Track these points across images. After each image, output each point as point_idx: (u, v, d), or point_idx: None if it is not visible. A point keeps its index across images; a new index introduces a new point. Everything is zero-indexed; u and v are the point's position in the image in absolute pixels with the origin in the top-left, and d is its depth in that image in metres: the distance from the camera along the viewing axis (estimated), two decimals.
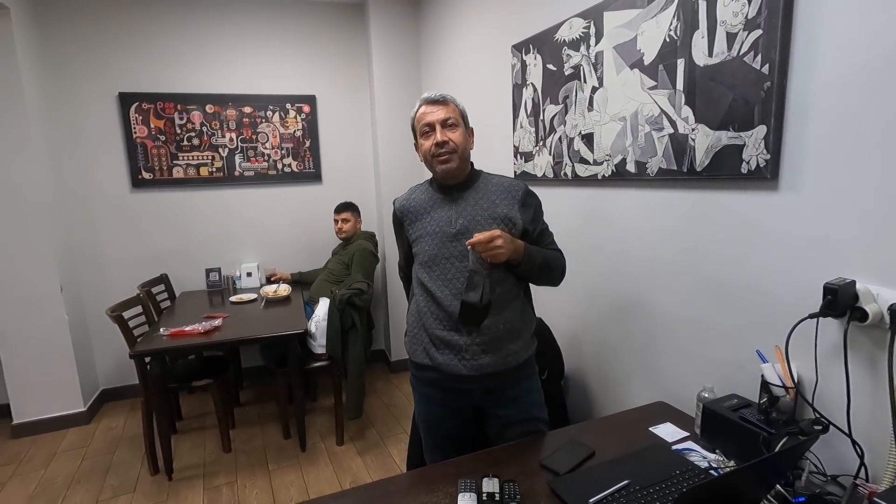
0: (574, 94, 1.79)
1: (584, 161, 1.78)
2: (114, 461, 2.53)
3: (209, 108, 3.22)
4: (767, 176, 1.15)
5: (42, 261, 2.73)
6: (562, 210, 1.96)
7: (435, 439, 1.48)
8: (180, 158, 3.21)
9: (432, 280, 1.34)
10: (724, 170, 1.25)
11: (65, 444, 2.72)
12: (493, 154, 2.41)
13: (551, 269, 1.37)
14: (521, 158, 2.18)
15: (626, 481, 1.04)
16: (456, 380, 1.34)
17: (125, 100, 3.05)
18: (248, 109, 3.30)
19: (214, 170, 3.29)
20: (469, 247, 1.22)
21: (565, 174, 1.89)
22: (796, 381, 1.11)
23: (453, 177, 1.35)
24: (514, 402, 1.37)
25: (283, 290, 3.02)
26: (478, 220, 1.31)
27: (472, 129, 1.40)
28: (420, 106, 1.36)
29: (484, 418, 1.42)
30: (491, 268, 1.27)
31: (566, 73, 1.82)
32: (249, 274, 3.30)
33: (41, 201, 2.70)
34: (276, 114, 3.37)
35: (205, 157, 3.26)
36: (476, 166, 1.43)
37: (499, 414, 1.38)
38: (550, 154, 1.97)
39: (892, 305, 0.94)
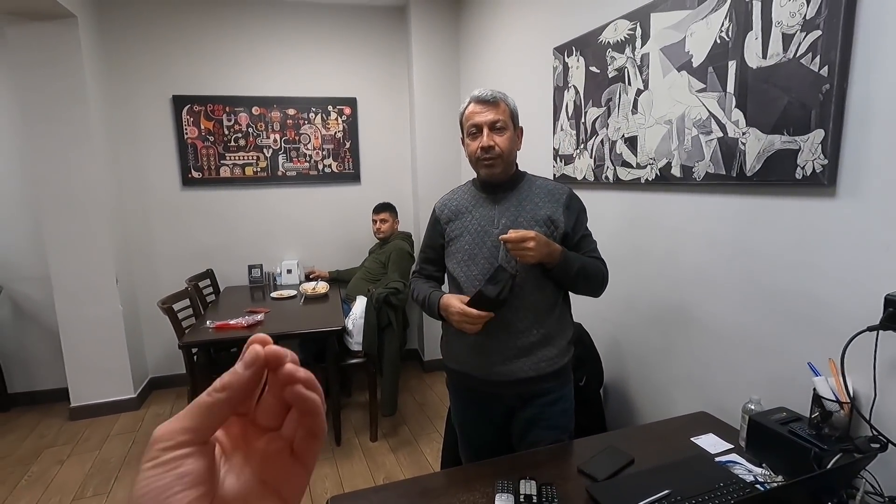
0: (618, 96, 1.77)
1: (626, 164, 1.76)
2: None
3: (255, 110, 3.33)
4: (824, 182, 1.11)
5: (100, 254, 2.89)
6: (603, 214, 1.94)
7: (469, 440, 1.50)
8: (227, 158, 3.34)
9: (469, 279, 1.33)
10: (777, 175, 1.21)
11: (117, 427, 2.88)
12: (532, 156, 2.40)
13: (589, 278, 1.32)
14: (561, 161, 2.16)
15: (666, 491, 1.02)
16: (489, 385, 1.34)
17: (178, 102, 3.20)
18: (291, 111, 3.40)
19: (259, 169, 3.41)
20: (501, 242, 1.21)
21: (606, 178, 1.87)
22: (852, 395, 1.06)
23: (497, 178, 1.35)
24: (543, 408, 1.36)
25: (322, 287, 3.09)
26: (520, 222, 1.30)
27: (521, 128, 1.37)
28: (469, 103, 1.32)
29: (511, 418, 1.41)
30: (521, 268, 1.26)
31: (610, 76, 1.80)
32: (290, 271, 3.40)
33: (100, 198, 2.87)
34: (318, 115, 3.46)
35: (250, 158, 3.38)
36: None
37: (524, 416, 1.37)
38: (591, 157, 1.95)
39: None
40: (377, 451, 2.57)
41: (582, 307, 2.04)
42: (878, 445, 0.97)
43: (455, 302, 1.27)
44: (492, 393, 1.36)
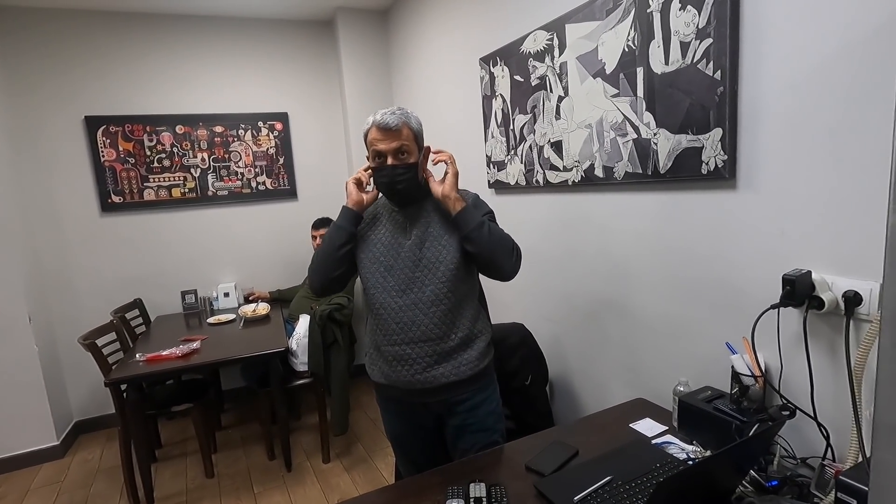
0: (542, 103, 1.84)
1: (554, 168, 1.83)
2: (91, 494, 2.44)
3: (179, 129, 3.18)
4: (726, 175, 1.21)
5: (8, 290, 2.64)
6: (537, 216, 2.01)
7: (406, 453, 1.50)
8: (151, 180, 3.16)
9: (385, 290, 1.32)
10: (686, 171, 1.31)
11: (38, 479, 2.62)
12: (466, 164, 2.44)
13: (493, 234, 1.28)
14: (494, 167, 2.22)
15: (608, 477, 1.07)
16: (413, 394, 1.34)
17: (91, 123, 2.99)
18: (219, 129, 3.28)
19: (187, 190, 3.25)
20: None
21: (537, 181, 1.94)
22: (763, 370, 1.16)
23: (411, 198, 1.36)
24: (470, 412, 1.37)
25: (262, 308, 2.98)
26: (430, 233, 1.33)
27: (427, 147, 1.37)
28: (371, 126, 1.30)
29: (442, 426, 1.42)
30: (435, 253, 1.32)
31: (533, 84, 1.87)
32: (227, 294, 3.26)
33: (5, 229, 2.62)
34: (248, 132, 3.35)
35: (176, 178, 3.22)
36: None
37: (453, 423, 1.38)
38: (522, 162, 2.02)
39: (845, 293, 1.00)
40: (330, 472, 2.49)
41: (525, 308, 2.10)
42: (787, 413, 1.07)
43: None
44: (418, 402, 1.37)
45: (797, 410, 1.08)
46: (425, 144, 1.36)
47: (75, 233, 3.04)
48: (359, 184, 1.35)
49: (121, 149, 3.07)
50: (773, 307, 1.09)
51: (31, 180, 2.90)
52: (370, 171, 1.34)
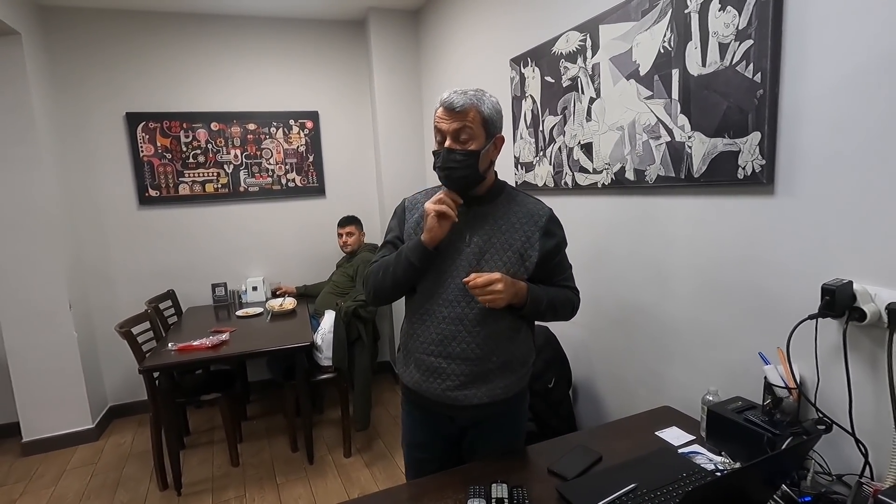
0: (572, 104, 1.83)
1: (583, 170, 1.81)
2: (123, 477, 2.54)
3: (214, 126, 3.27)
4: (763, 181, 1.17)
5: (52, 278, 2.77)
6: (564, 219, 1.96)
7: (418, 462, 1.40)
8: (186, 175, 3.26)
9: (433, 299, 1.23)
10: (721, 176, 1.28)
11: (74, 460, 2.73)
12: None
13: (557, 311, 1.28)
14: (522, 168, 2.21)
15: (633, 485, 1.05)
16: (441, 406, 1.28)
17: (132, 119, 3.11)
18: (252, 126, 3.36)
19: (220, 186, 3.34)
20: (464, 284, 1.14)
21: (566, 183, 1.92)
22: (799, 381, 1.12)
23: (467, 189, 1.22)
24: (495, 430, 1.31)
25: (289, 303, 3.04)
26: (493, 244, 1.20)
27: (500, 137, 1.22)
28: (439, 106, 1.17)
29: (463, 435, 1.35)
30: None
31: (564, 85, 1.86)
32: (255, 288, 3.34)
33: (51, 219, 2.75)
34: (280, 130, 3.42)
35: (210, 174, 3.31)
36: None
37: (475, 432, 1.32)
38: (550, 164, 2.00)
39: (889, 305, 0.96)
40: (351, 466, 2.53)
41: None
42: (823, 427, 1.03)
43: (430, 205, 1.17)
44: (443, 415, 1.31)
45: (834, 425, 1.04)
46: (499, 134, 1.22)
47: (114, 225, 3.17)
48: (442, 216, 1.15)
49: (159, 144, 3.18)
50: (810, 317, 1.06)
51: (74, 174, 3.04)
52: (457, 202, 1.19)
